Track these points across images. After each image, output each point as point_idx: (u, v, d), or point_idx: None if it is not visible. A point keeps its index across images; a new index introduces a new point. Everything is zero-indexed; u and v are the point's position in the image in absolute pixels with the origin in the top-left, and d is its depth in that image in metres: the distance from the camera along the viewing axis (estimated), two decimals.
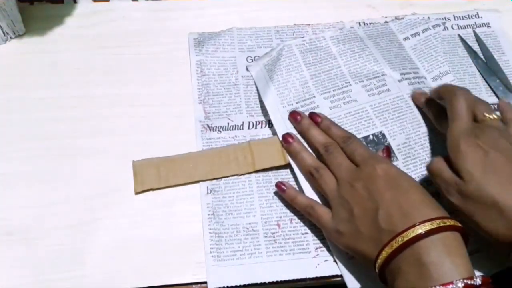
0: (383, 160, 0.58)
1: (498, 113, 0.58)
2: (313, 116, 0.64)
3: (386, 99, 0.67)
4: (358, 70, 0.69)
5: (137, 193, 0.61)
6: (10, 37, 0.71)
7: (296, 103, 0.66)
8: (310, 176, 0.60)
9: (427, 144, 0.63)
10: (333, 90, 0.67)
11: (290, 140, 0.63)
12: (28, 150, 0.63)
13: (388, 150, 0.61)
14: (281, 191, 0.60)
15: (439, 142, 0.63)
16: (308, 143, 0.63)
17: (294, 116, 0.64)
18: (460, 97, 0.57)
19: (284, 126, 0.65)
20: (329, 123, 0.63)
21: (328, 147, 0.60)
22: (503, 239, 0.51)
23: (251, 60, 0.71)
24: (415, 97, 0.67)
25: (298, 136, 0.64)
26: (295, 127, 0.64)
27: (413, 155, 0.63)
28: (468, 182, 0.52)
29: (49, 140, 0.64)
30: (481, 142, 0.53)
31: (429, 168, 0.57)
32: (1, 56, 0.70)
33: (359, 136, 0.63)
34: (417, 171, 0.62)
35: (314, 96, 0.67)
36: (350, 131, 0.64)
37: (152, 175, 0.62)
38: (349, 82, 0.68)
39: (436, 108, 0.63)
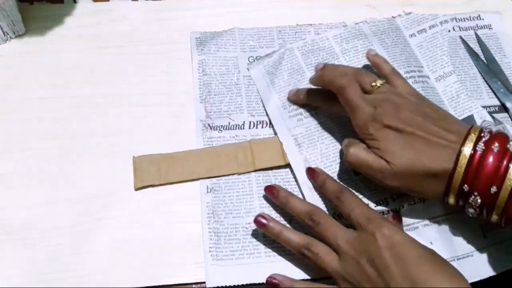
0: (382, 223, 0.53)
1: (379, 80, 0.59)
2: (309, 171, 0.61)
3: None
4: None
5: (137, 189, 0.61)
6: (10, 37, 0.71)
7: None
8: (303, 257, 0.55)
9: None
10: None
11: (265, 221, 0.57)
12: (28, 150, 0.63)
13: (398, 217, 0.59)
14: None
15: None
16: (292, 215, 0.59)
17: (270, 191, 0.59)
18: (347, 87, 0.58)
19: (285, 127, 0.65)
20: (324, 177, 0.59)
21: (313, 216, 0.56)
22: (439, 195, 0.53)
23: (252, 60, 0.71)
24: (291, 98, 0.67)
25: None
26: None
27: None
28: (394, 162, 0.53)
29: (49, 140, 0.64)
30: (386, 121, 0.54)
31: (351, 160, 0.57)
32: (1, 56, 0.70)
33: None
34: None
35: None
36: (351, 132, 0.63)
37: (152, 172, 0.62)
38: None
39: (321, 95, 0.64)
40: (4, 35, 0.70)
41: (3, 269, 0.56)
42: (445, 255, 0.56)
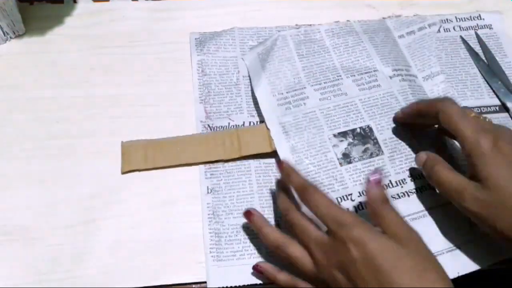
0: (353, 228, 0.48)
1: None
2: (277, 162, 0.57)
3: (376, 94, 0.67)
4: (351, 64, 0.70)
5: (123, 172, 0.62)
6: (10, 37, 0.71)
7: (287, 92, 0.67)
8: (278, 254, 0.54)
9: (415, 140, 0.63)
10: (324, 83, 0.68)
11: (250, 215, 0.56)
12: (28, 150, 0.63)
13: (377, 177, 0.52)
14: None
15: (426, 139, 0.63)
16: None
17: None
18: (450, 104, 0.56)
19: (273, 114, 0.65)
20: (290, 171, 0.55)
21: (286, 214, 0.54)
22: None
23: None
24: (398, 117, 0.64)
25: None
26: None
27: (399, 150, 0.63)
28: (491, 188, 0.50)
29: (49, 140, 0.64)
30: (502, 143, 0.51)
31: (432, 176, 0.55)
32: (1, 56, 0.70)
33: (346, 129, 0.64)
34: (403, 166, 0.62)
35: (304, 87, 0.67)
36: (338, 123, 0.64)
37: (140, 156, 0.63)
38: (340, 76, 0.68)
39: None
40: (4, 35, 0.70)
41: (3, 269, 0.56)
42: (433, 248, 0.55)
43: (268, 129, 0.64)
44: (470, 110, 0.57)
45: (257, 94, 0.67)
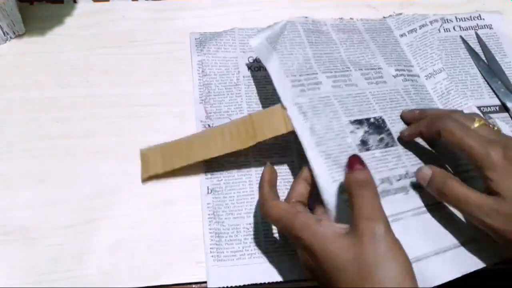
0: (302, 232, 0.48)
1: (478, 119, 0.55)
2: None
3: (384, 90, 0.65)
4: (357, 59, 0.68)
5: (143, 180, 0.61)
6: (10, 37, 0.71)
7: (300, 75, 0.63)
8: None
9: None
10: (335, 71, 0.65)
11: None
12: (28, 150, 0.63)
13: (356, 160, 0.50)
14: None
15: None
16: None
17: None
18: (449, 120, 0.54)
19: (288, 93, 0.61)
20: (264, 176, 0.56)
21: None
22: None
23: (252, 60, 0.71)
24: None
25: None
26: None
27: (412, 143, 0.61)
28: (510, 199, 0.48)
29: (49, 140, 0.64)
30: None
31: (446, 193, 0.52)
32: (1, 56, 0.70)
33: (361, 118, 0.61)
34: (417, 159, 0.60)
35: (316, 73, 0.64)
36: (353, 111, 0.61)
37: (158, 161, 0.62)
38: (349, 68, 0.66)
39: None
40: (4, 35, 0.70)
41: (3, 269, 0.56)
42: (431, 247, 0.54)
43: (284, 108, 0.60)
44: (478, 116, 0.56)
45: (269, 70, 0.63)
